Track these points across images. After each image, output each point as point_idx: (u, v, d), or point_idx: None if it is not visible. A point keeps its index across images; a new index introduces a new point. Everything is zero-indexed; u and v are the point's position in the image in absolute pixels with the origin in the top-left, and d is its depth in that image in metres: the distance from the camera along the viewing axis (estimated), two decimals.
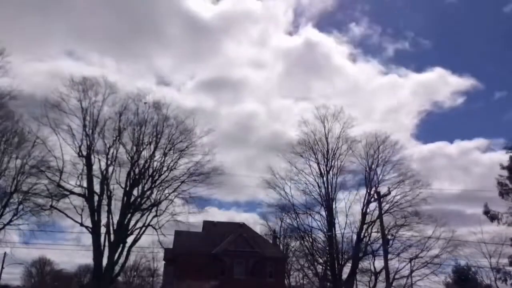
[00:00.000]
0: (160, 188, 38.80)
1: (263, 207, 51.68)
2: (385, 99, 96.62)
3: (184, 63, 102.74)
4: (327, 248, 43.42)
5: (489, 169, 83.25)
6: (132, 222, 37.31)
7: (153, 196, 38.58)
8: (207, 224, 46.28)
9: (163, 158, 39.13)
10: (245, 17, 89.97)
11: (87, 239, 37.59)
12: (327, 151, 44.89)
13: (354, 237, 42.52)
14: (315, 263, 45.70)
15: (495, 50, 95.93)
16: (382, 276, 41.68)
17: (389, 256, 34.32)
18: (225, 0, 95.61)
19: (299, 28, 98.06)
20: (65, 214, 35.85)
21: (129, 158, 38.22)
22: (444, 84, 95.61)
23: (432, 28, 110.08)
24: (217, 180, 39.67)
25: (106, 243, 36.04)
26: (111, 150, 37.75)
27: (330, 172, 44.37)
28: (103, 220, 36.09)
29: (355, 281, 45.01)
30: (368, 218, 42.01)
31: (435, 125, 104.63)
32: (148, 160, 38.73)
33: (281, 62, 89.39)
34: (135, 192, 37.86)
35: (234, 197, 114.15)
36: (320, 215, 44.18)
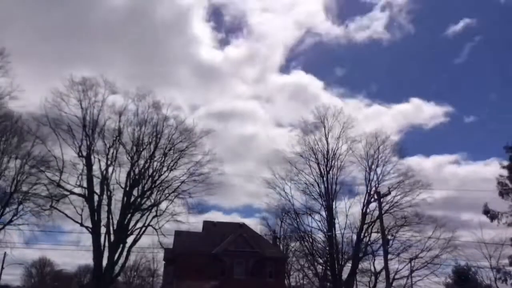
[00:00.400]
0: (160, 188, 38.82)
1: (263, 208, 51.81)
2: (369, 125, 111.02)
3: (195, 97, 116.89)
4: (327, 248, 43.42)
5: (465, 180, 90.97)
6: (132, 222, 37.38)
7: (153, 196, 38.65)
8: (207, 224, 46.27)
9: (163, 158, 39.16)
10: (246, 60, 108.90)
11: (87, 239, 37.65)
12: (327, 151, 44.94)
13: (354, 237, 42.59)
14: (315, 263, 45.72)
15: (460, 85, 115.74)
16: (382, 276, 41.71)
17: (389, 256, 34.34)
18: (229, 46, 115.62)
19: (290, 69, 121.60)
20: (65, 214, 35.92)
21: (129, 158, 38.25)
22: (421, 111, 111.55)
23: (405, 67, 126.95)
24: (216, 180, 39.84)
25: (106, 243, 36.05)
26: (111, 150, 37.83)
27: (330, 172, 44.43)
28: (103, 220, 36.13)
29: (355, 281, 45.00)
30: (368, 218, 42.04)
31: (413, 143, 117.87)
32: (148, 160, 38.74)
33: (278, 97, 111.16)
34: (135, 192, 37.88)
35: (233, 204, 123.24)
36: (320, 215, 44.26)
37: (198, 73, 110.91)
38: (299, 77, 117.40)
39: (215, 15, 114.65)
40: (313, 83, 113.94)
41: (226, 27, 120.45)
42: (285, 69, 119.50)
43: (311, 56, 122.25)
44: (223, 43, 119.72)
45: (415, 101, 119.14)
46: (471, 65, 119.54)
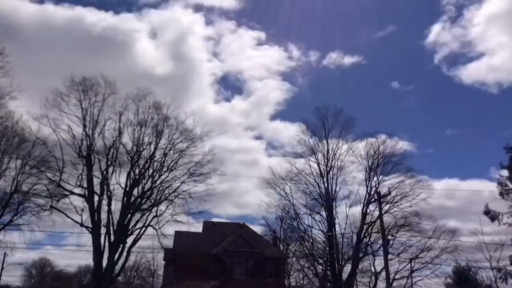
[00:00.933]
0: (160, 188, 38.80)
1: (263, 214, 51.91)
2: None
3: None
4: (327, 249, 43.41)
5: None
6: (132, 223, 37.32)
7: (153, 196, 38.59)
8: (207, 224, 46.29)
9: (163, 159, 39.13)
10: (243, 112, 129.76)
11: (87, 239, 37.66)
12: (327, 151, 44.94)
13: (354, 237, 42.58)
14: (315, 264, 45.69)
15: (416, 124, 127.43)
16: (382, 277, 41.73)
17: (389, 256, 34.33)
18: (234, 101, 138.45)
19: (278, 118, 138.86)
20: (65, 215, 35.87)
21: (129, 158, 38.21)
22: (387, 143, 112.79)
23: (367, 115, 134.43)
24: (216, 179, 39.89)
25: (106, 243, 36.06)
26: (111, 150, 37.73)
27: (330, 172, 44.41)
28: (103, 221, 36.11)
29: (355, 282, 44.99)
30: (368, 219, 42.06)
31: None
32: (148, 160, 38.71)
33: (273, 138, 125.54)
34: (135, 192, 37.85)
35: (233, 213, 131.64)
36: (320, 215, 44.24)
37: (208, 123, 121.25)
38: (287, 124, 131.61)
39: (223, 81, 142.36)
40: (298, 128, 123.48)
41: (231, 88, 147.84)
42: (275, 117, 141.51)
43: (294, 108, 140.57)
44: (228, 100, 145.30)
45: (381, 136, 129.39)
46: (424, 110, 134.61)
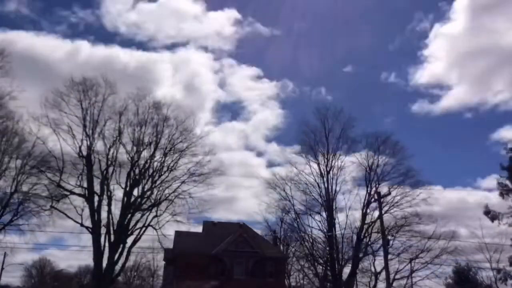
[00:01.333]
0: (160, 188, 38.82)
1: (263, 218, 51.94)
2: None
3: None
4: (327, 249, 43.39)
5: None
6: (132, 223, 37.30)
7: (153, 196, 38.61)
8: (207, 224, 46.31)
9: (163, 158, 39.12)
10: (240, 133, 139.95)
11: (87, 239, 37.65)
12: (327, 152, 44.90)
13: (354, 237, 42.53)
14: (315, 264, 45.66)
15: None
16: (382, 277, 41.66)
17: (389, 256, 34.29)
18: (234, 123, 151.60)
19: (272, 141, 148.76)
20: (65, 215, 35.85)
21: (129, 158, 38.21)
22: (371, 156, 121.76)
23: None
24: (217, 181, 39.90)
25: (106, 244, 36.06)
26: (111, 150, 37.77)
27: (331, 172, 44.37)
28: (103, 221, 36.11)
29: (355, 282, 44.97)
30: (368, 219, 42.01)
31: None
32: (148, 161, 38.72)
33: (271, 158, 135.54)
34: (135, 193, 37.85)
35: (234, 218, 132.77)
36: (320, 215, 44.22)
37: (211, 143, 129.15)
38: (283, 147, 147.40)
39: (226, 107, 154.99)
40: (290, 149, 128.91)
41: (233, 113, 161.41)
42: (270, 140, 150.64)
43: (289, 132, 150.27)
44: (230, 123, 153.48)
45: (370, 152, 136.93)
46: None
